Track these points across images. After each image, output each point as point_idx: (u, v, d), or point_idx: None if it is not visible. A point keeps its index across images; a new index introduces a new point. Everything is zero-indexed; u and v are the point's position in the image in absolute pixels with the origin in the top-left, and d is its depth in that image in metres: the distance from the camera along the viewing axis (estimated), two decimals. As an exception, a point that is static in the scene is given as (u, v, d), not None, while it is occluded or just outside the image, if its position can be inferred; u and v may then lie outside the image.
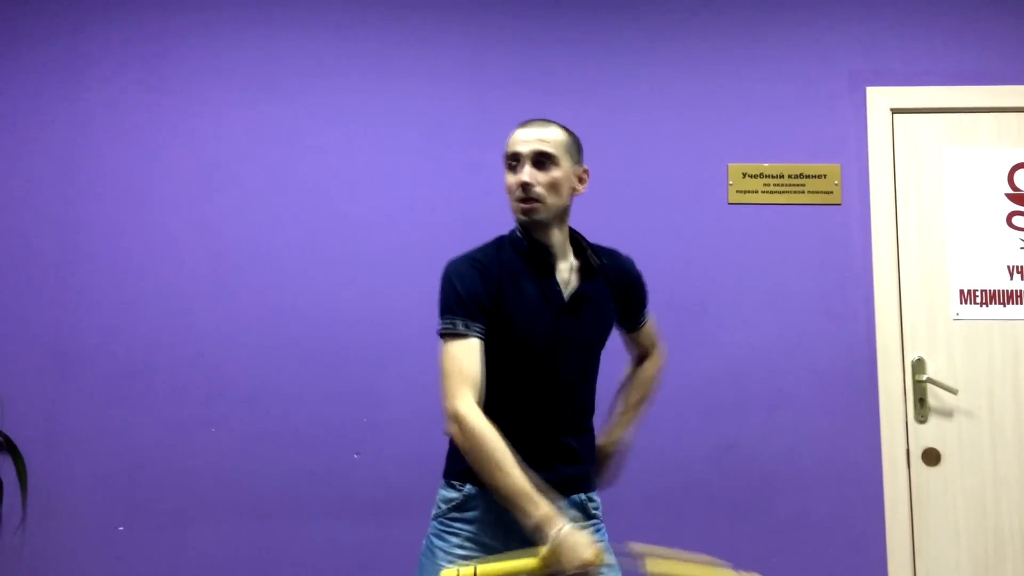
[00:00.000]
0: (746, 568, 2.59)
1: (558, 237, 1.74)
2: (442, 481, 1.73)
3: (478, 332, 1.63)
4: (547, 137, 1.69)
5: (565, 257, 1.75)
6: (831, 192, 2.73)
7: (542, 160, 1.68)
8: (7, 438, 2.57)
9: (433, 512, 1.72)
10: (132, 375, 2.64)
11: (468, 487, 1.67)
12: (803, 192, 2.73)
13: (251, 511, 2.60)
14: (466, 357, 1.60)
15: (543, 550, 1.46)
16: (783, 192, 2.74)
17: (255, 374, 2.65)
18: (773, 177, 2.74)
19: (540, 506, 1.49)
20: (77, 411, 2.63)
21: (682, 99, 2.79)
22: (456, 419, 1.56)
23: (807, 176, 2.74)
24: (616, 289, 1.81)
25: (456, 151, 2.76)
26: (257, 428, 2.63)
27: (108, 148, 2.75)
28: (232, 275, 2.70)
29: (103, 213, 2.72)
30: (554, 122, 1.74)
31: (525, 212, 1.68)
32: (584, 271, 1.75)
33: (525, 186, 1.67)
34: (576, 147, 1.75)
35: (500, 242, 1.76)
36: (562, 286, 1.72)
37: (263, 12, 2.81)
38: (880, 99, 2.76)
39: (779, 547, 2.59)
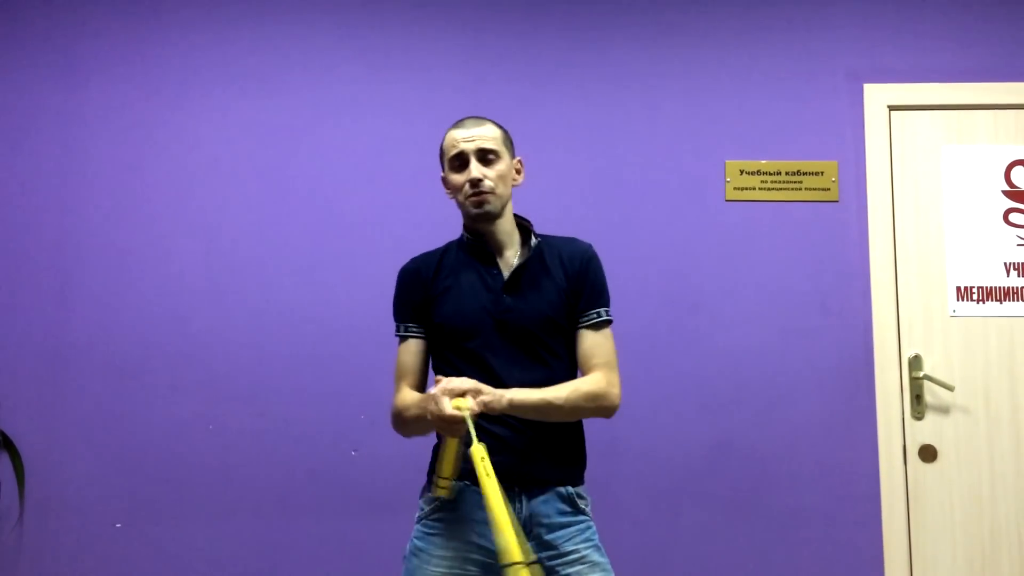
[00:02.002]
0: (745, 565, 2.59)
1: (506, 226, 1.79)
2: (425, 484, 1.76)
3: (415, 332, 1.80)
4: (487, 134, 1.76)
5: (511, 245, 1.79)
6: (828, 189, 2.73)
7: (486, 156, 1.75)
8: (4, 435, 2.57)
9: (416, 515, 1.74)
10: (129, 372, 2.64)
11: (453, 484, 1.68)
12: (800, 189, 2.73)
13: (248, 508, 2.60)
14: (402, 358, 1.81)
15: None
16: (780, 189, 2.74)
17: (252, 371, 2.65)
18: (770, 174, 2.74)
19: (419, 407, 1.65)
20: (74, 408, 2.63)
21: (679, 96, 2.79)
22: (392, 409, 1.77)
23: (804, 173, 2.74)
24: (568, 270, 1.76)
25: (453, 148, 2.75)
26: (254, 425, 2.63)
27: (105, 146, 2.74)
28: (230, 273, 2.69)
29: (100, 211, 2.72)
30: (487, 119, 1.80)
31: (478, 204, 1.73)
32: (528, 253, 1.77)
33: (476, 182, 1.72)
34: (510, 141, 1.82)
35: (447, 245, 1.86)
36: (505, 270, 1.76)
37: (261, 9, 2.81)
38: (877, 96, 2.76)
39: (775, 543, 2.60)
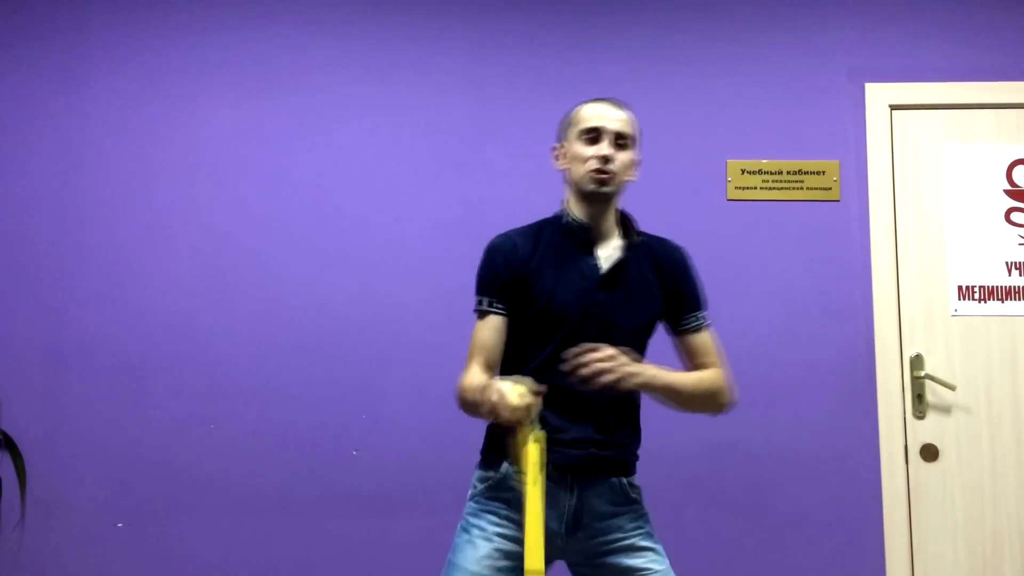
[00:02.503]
0: (747, 564, 2.59)
1: (611, 216, 1.77)
2: (478, 460, 1.75)
3: (498, 310, 1.70)
4: (628, 119, 1.76)
5: (611, 237, 1.77)
6: (830, 188, 2.73)
7: (622, 140, 1.74)
8: (6, 435, 2.57)
9: (469, 493, 1.73)
10: (131, 372, 2.64)
11: (504, 466, 1.67)
12: (802, 188, 2.73)
13: (250, 508, 2.60)
14: (480, 333, 1.71)
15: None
16: (782, 188, 2.74)
17: (254, 371, 2.65)
18: (772, 173, 2.74)
19: (485, 386, 1.54)
20: (76, 408, 2.63)
21: (681, 95, 2.78)
22: (457, 385, 1.67)
23: (806, 172, 2.74)
24: (664, 275, 1.78)
25: (455, 148, 2.76)
26: (256, 425, 2.63)
27: (106, 145, 2.74)
28: (231, 272, 2.69)
29: (101, 210, 2.72)
30: (626, 104, 1.79)
31: (600, 182, 1.70)
32: (628, 250, 1.76)
33: (606, 159, 1.70)
34: (639, 135, 1.82)
35: (541, 223, 1.79)
36: (603, 262, 1.73)
37: (261, 9, 2.81)
38: (879, 95, 2.76)
39: (777, 543, 2.60)
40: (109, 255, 2.69)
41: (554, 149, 1.81)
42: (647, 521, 1.72)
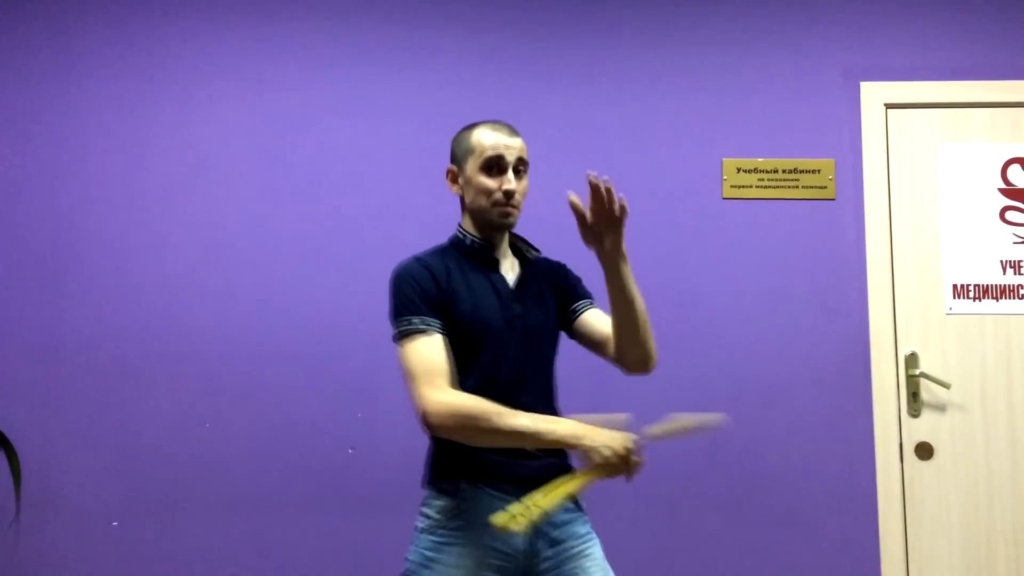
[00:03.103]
0: (741, 563, 2.59)
1: (506, 237, 1.80)
2: (427, 491, 1.69)
3: (438, 328, 1.64)
4: (523, 147, 1.74)
5: (508, 255, 1.81)
6: (825, 187, 2.74)
7: (519, 169, 1.73)
8: (0, 433, 2.57)
9: (421, 526, 1.66)
10: (126, 371, 2.64)
11: (463, 485, 1.63)
12: (797, 187, 2.74)
13: (245, 506, 2.60)
14: (429, 352, 1.61)
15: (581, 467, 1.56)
16: (777, 187, 2.74)
17: (249, 370, 2.65)
18: (767, 172, 2.74)
19: (557, 425, 1.57)
20: (71, 407, 2.62)
21: (676, 94, 2.79)
22: (439, 407, 1.56)
23: (801, 171, 2.74)
24: (555, 282, 1.84)
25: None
26: (251, 423, 2.63)
27: (101, 144, 2.74)
28: (226, 271, 2.69)
29: (96, 209, 2.71)
30: (516, 129, 1.77)
31: (506, 216, 1.71)
32: (523, 266, 1.81)
33: (511, 193, 1.70)
34: None
35: (442, 247, 1.80)
36: (508, 276, 1.77)
37: (258, 7, 2.80)
38: (874, 94, 2.77)
39: (772, 541, 2.60)
40: (105, 253, 2.69)
41: (449, 172, 1.78)
42: (590, 525, 1.74)
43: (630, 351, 1.73)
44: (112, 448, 2.61)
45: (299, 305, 2.68)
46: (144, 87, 2.77)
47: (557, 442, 1.56)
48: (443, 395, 1.57)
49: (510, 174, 1.70)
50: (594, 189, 1.56)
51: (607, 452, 1.52)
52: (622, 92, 2.79)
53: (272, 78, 2.77)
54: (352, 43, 2.80)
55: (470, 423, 1.55)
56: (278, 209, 2.72)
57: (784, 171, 2.75)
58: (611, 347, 1.77)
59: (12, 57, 2.77)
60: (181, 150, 2.74)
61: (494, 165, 1.71)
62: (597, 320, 1.82)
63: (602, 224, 1.60)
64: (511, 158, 1.71)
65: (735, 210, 2.74)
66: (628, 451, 1.52)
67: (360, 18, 2.80)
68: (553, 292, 1.83)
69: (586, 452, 1.53)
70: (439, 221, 2.72)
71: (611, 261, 1.65)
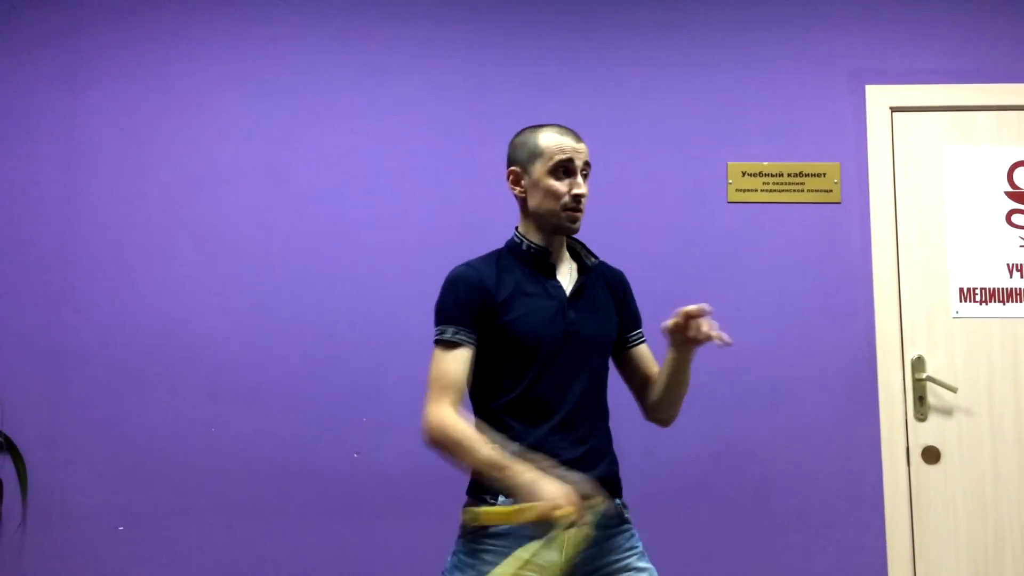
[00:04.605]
0: (748, 566, 2.59)
1: (563, 245, 1.78)
2: (468, 499, 1.68)
3: (468, 340, 1.64)
4: (587, 151, 1.74)
5: (567, 260, 1.79)
6: (831, 191, 2.73)
7: (586, 173, 1.74)
8: (7, 438, 2.57)
9: (463, 531, 1.65)
10: (132, 375, 2.64)
11: (501, 499, 1.59)
12: (802, 191, 2.73)
13: (251, 511, 2.60)
14: (449, 365, 1.62)
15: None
16: (782, 191, 2.74)
17: (255, 374, 2.65)
18: (772, 176, 2.74)
19: (505, 467, 1.52)
20: (77, 411, 2.63)
21: (681, 98, 2.79)
22: (433, 423, 1.59)
23: (806, 175, 2.74)
24: (616, 294, 1.83)
25: (455, 150, 2.76)
26: (257, 428, 2.63)
27: (106, 148, 2.75)
28: (232, 275, 2.70)
29: (102, 213, 2.72)
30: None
31: (574, 220, 1.71)
32: (581, 271, 1.78)
33: (580, 197, 1.70)
34: None
35: (498, 252, 1.78)
36: (564, 284, 1.75)
37: (262, 11, 2.81)
38: (879, 97, 2.76)
39: (779, 545, 2.59)
40: (110, 258, 2.70)
41: (512, 174, 1.76)
42: (638, 540, 1.71)
43: (664, 411, 1.81)
44: (118, 453, 2.61)
45: (305, 310, 2.68)
46: (148, 92, 2.77)
47: (510, 487, 1.53)
48: (441, 413, 1.58)
49: (579, 178, 1.71)
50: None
51: (546, 510, 1.46)
52: (627, 96, 2.79)
53: (277, 84, 2.78)
54: (355, 49, 2.80)
55: (448, 449, 1.58)
56: (283, 215, 2.73)
57: (789, 175, 2.74)
58: (647, 393, 1.83)
59: (18, 61, 2.78)
60: (186, 157, 2.75)
61: (564, 168, 1.70)
62: (645, 359, 1.85)
63: (693, 338, 1.67)
64: (580, 162, 1.71)
65: (740, 214, 2.73)
66: (574, 505, 1.47)
67: (362, 23, 2.81)
68: (612, 301, 1.81)
69: (526, 500, 1.49)
70: (444, 225, 2.74)
71: (685, 355, 1.72)
